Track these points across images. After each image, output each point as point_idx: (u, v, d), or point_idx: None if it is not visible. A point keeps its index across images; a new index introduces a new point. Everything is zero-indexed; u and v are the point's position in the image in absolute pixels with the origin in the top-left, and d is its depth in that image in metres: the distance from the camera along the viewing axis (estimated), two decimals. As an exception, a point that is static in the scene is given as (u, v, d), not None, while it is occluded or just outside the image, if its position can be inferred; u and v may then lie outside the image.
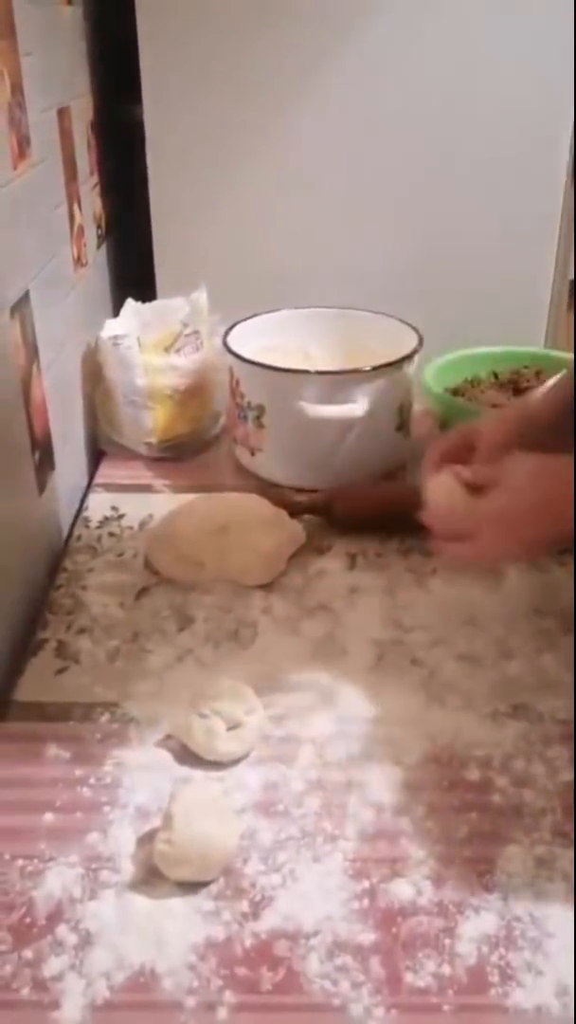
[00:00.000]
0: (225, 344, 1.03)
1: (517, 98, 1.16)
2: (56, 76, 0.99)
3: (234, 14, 1.13)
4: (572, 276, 1.26)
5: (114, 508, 1.00)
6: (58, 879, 0.59)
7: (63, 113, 1.01)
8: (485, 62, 1.15)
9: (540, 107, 1.16)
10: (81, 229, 1.08)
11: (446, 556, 0.79)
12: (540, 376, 1.13)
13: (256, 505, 0.92)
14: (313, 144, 1.19)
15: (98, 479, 1.07)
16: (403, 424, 1.05)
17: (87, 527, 0.97)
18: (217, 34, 1.14)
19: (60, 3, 1.02)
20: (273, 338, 1.11)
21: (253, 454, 1.04)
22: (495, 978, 0.53)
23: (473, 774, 0.67)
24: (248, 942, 0.55)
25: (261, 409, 1.00)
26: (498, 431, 0.80)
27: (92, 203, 1.16)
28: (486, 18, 1.13)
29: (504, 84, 1.15)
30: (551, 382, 0.86)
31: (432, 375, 1.10)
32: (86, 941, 0.55)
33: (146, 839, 0.61)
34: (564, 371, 0.87)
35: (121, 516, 0.99)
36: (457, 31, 1.14)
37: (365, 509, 0.96)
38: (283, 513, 0.93)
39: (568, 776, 0.66)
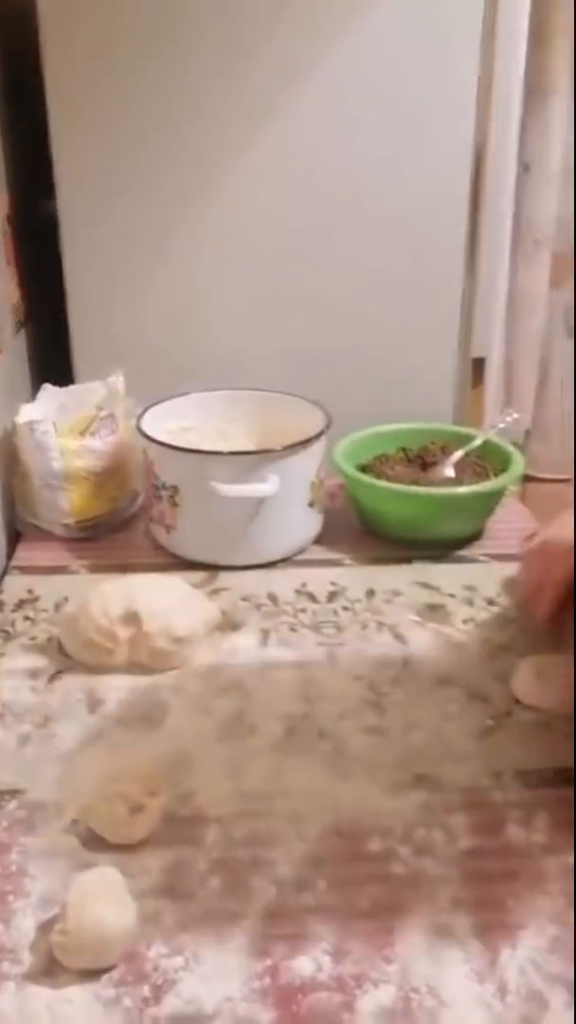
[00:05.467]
0: (138, 426, 1.06)
1: (418, 189, 1.23)
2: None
3: (144, 111, 1.19)
4: (474, 355, 1.32)
5: (30, 591, 1.01)
6: (-43, 975, 0.58)
7: (-23, 210, 1.04)
8: (389, 156, 1.22)
9: (440, 197, 1.23)
10: (-3, 319, 1.11)
11: None
12: (446, 450, 1.18)
13: (170, 587, 0.93)
14: (224, 233, 1.25)
15: (15, 561, 1.07)
16: (315, 500, 1.08)
17: (1, 611, 0.97)
18: (128, 132, 1.20)
19: (-27, 107, 1.07)
20: (189, 420, 1.15)
21: (168, 532, 1.06)
22: (391, 1051, 0.54)
23: (375, 845, 0.68)
24: (149, 1028, 0.56)
25: (175, 489, 1.03)
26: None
27: (9, 293, 1.19)
28: (388, 117, 1.20)
29: (405, 176, 1.22)
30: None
31: (342, 452, 1.14)
32: (-17, 1038, 0.55)
33: (47, 927, 0.61)
34: None
35: (36, 599, 0.99)
36: (363, 131, 1.21)
37: None
38: (199, 594, 0.95)
39: (467, 843, 0.68)
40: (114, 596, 0.89)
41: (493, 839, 0.68)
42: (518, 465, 1.11)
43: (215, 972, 0.59)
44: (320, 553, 1.10)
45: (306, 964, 0.59)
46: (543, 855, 0.67)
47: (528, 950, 0.60)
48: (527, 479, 1.93)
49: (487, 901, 0.63)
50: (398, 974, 0.58)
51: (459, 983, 0.58)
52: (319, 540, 1.12)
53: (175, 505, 1.04)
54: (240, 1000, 0.57)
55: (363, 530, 1.14)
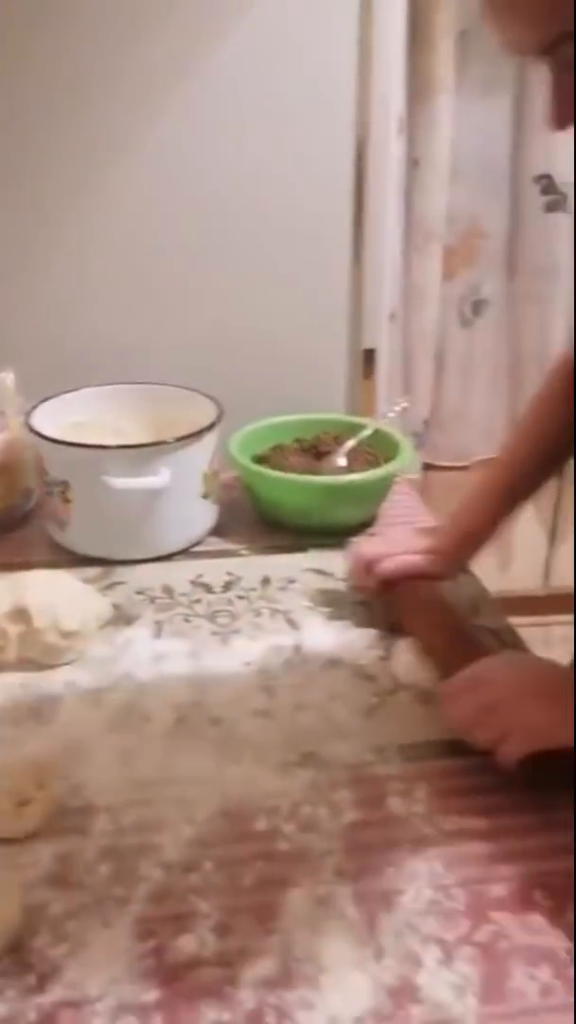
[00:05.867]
0: (27, 423, 1.05)
1: (303, 184, 1.25)
2: None
3: (24, 104, 1.18)
4: (364, 346, 1.35)
5: None
6: None
7: None
8: (273, 151, 1.24)
9: (325, 191, 1.26)
10: None
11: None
12: (339, 440, 1.20)
13: (61, 583, 0.93)
14: (112, 227, 1.25)
15: None
16: (209, 492, 1.09)
17: None
18: (9, 125, 1.19)
19: None
20: (82, 415, 1.15)
21: (63, 528, 1.06)
22: (271, 1018, 0.56)
23: (261, 824, 0.70)
24: (32, 1016, 0.56)
25: (66, 485, 1.03)
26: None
27: None
28: (270, 111, 1.22)
29: (289, 170, 1.25)
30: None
31: (237, 444, 1.16)
32: None
33: None
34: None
35: None
36: (247, 126, 1.22)
37: None
38: (90, 589, 0.95)
39: (350, 817, 0.70)
40: (3, 593, 0.88)
41: (375, 811, 0.71)
42: (406, 453, 1.14)
43: (101, 957, 0.60)
44: (217, 544, 1.11)
45: (191, 942, 0.61)
46: (422, 824, 0.70)
47: (405, 913, 0.62)
48: (427, 467, 1.98)
49: (367, 870, 0.66)
50: (280, 945, 0.60)
51: (338, 949, 0.60)
52: (216, 531, 1.13)
53: (67, 501, 1.04)
54: (125, 982, 0.58)
55: (260, 520, 1.16)
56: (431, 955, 0.60)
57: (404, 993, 0.57)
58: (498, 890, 0.64)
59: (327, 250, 1.28)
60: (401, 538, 0.98)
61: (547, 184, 1.75)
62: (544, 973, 0.58)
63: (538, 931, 0.61)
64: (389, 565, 0.93)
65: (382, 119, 1.22)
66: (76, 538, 1.06)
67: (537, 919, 0.62)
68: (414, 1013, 0.56)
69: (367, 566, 0.94)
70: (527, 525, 2.13)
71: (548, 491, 1.93)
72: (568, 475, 0.82)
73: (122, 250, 1.26)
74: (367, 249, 1.27)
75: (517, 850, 0.67)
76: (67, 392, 1.14)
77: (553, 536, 2.15)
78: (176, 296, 1.29)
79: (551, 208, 1.72)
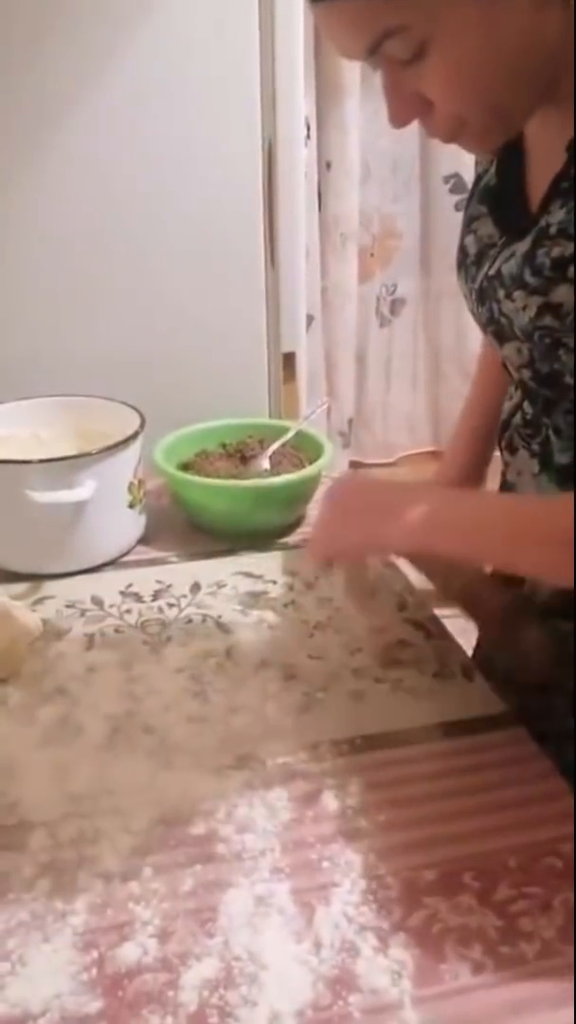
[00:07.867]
0: (-56, 441, 1.04)
1: (214, 189, 1.26)
2: None
3: None
4: (284, 349, 1.37)
5: None
6: None
7: None
8: (183, 157, 1.25)
9: (236, 195, 1.27)
10: None
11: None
12: (263, 444, 1.22)
13: (-13, 599, 0.93)
14: (27, 240, 1.24)
15: None
16: (135, 501, 1.10)
17: None
18: None
19: None
20: (3, 430, 1.14)
21: (-12, 546, 1.05)
22: (214, 1018, 0.57)
23: (199, 828, 0.71)
24: (-26, 1037, 0.56)
25: (-11, 501, 1.02)
26: None
27: None
28: (178, 118, 1.23)
29: (200, 176, 1.26)
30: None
31: (162, 452, 1.16)
32: None
33: None
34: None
35: None
36: (156, 132, 1.23)
37: None
38: (19, 605, 0.94)
39: (286, 815, 0.72)
40: None
41: (310, 808, 0.72)
42: (329, 454, 1.16)
43: (42, 971, 0.60)
44: (146, 553, 1.12)
45: (132, 950, 0.61)
46: (356, 817, 0.71)
47: (341, 905, 0.64)
48: (355, 465, 2.01)
49: (304, 866, 0.67)
50: (220, 946, 0.61)
51: (277, 946, 0.61)
52: (145, 540, 1.13)
53: (-9, 517, 1.03)
54: (68, 995, 0.58)
55: (188, 527, 1.17)
56: (367, 943, 0.61)
57: (342, 982, 0.59)
58: (430, 876, 0.66)
59: (242, 255, 1.29)
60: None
61: (456, 183, 1.80)
62: (475, 952, 0.60)
63: (468, 911, 0.63)
64: None
65: (289, 122, 1.24)
66: (2, 554, 1.05)
67: (467, 900, 0.64)
68: (352, 1001, 0.58)
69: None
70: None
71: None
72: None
73: (37, 262, 1.26)
74: (281, 253, 1.29)
75: (446, 835, 0.69)
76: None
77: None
78: (93, 307, 1.28)
79: (461, 206, 1.76)
